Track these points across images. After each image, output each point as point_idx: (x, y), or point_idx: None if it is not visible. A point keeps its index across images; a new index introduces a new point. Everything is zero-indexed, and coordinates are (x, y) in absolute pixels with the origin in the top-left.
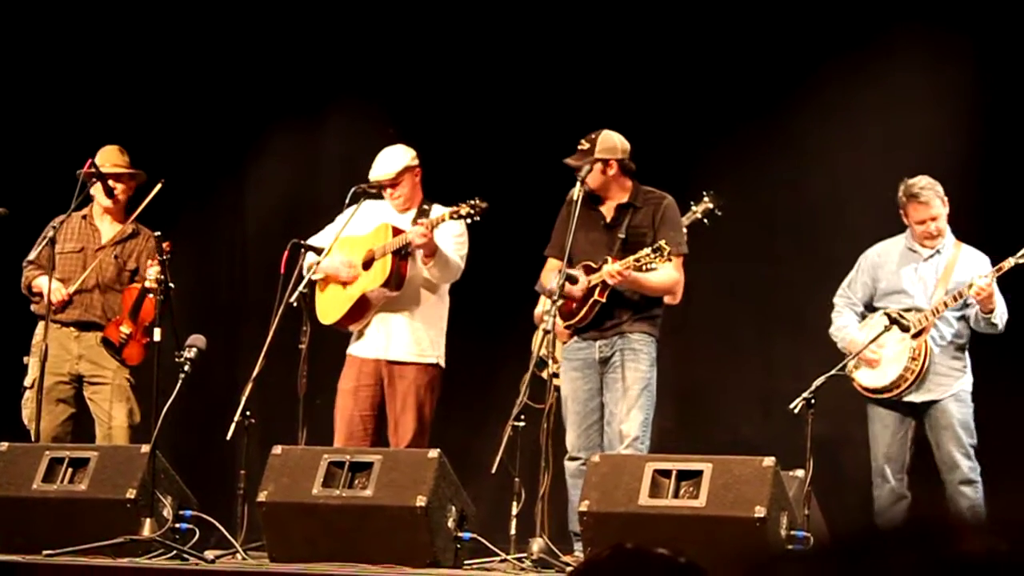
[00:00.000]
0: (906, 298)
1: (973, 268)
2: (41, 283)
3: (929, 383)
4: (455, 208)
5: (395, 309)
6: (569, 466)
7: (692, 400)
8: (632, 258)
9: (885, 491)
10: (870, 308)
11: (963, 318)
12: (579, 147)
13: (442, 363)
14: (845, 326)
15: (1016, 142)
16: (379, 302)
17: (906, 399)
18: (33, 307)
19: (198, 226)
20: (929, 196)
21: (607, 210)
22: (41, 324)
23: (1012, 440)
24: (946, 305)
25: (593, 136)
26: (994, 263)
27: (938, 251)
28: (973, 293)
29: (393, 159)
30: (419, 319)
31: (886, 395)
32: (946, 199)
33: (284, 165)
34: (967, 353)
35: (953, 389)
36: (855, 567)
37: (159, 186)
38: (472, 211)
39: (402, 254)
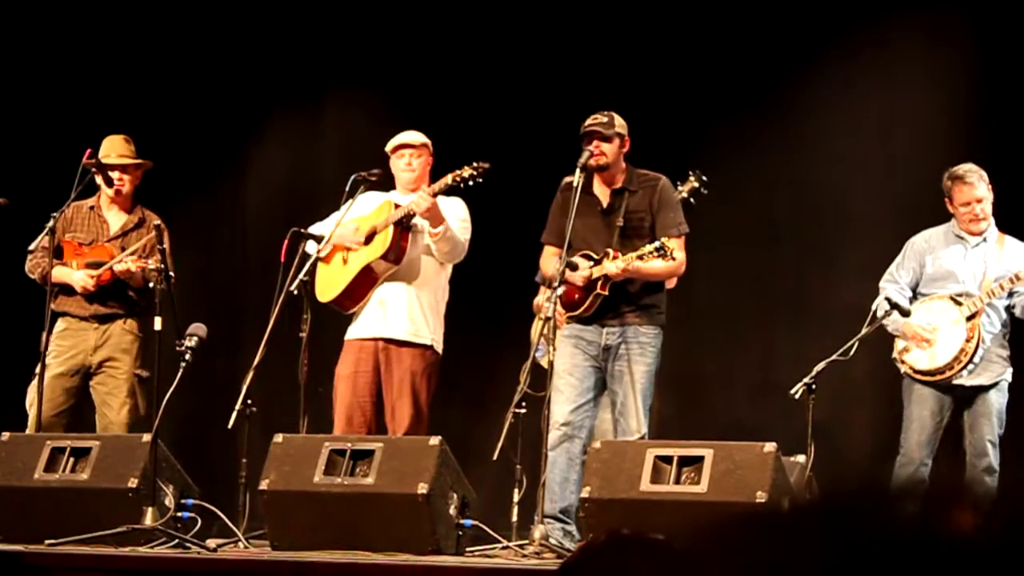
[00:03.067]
0: (955, 284)
1: (1019, 256)
2: (60, 274)
3: (980, 367)
4: (457, 172)
5: (393, 287)
6: (554, 435)
7: (693, 386)
8: (635, 254)
9: (907, 472)
10: (915, 293)
11: (1008, 308)
12: (598, 118)
13: (439, 348)
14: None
15: (1014, 125)
16: (380, 275)
17: (956, 382)
18: (54, 306)
19: (198, 214)
20: (974, 178)
21: (603, 195)
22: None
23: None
24: (1002, 288)
25: (610, 112)
26: None
27: (984, 239)
28: None
29: (419, 133)
30: (417, 298)
31: (938, 377)
32: (990, 186)
33: (284, 153)
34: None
35: (998, 377)
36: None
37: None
38: (475, 172)
39: (404, 225)
